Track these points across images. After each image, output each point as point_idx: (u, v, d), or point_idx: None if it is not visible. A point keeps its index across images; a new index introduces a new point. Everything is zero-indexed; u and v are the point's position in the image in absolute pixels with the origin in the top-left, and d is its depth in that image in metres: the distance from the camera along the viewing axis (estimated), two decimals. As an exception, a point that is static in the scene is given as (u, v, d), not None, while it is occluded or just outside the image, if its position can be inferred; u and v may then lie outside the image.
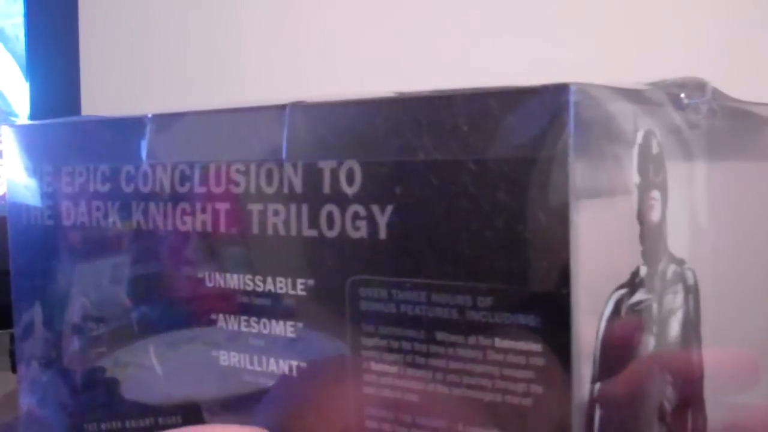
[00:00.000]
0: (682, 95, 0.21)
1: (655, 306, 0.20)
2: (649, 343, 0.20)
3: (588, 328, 0.18)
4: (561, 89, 0.18)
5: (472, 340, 0.19)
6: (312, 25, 0.80)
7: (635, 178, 0.20)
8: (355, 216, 0.21)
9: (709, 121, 0.22)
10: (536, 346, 0.18)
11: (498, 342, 0.19)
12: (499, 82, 0.19)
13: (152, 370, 0.26)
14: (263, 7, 0.81)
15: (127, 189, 0.26)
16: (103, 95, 0.72)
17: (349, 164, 0.21)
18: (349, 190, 0.21)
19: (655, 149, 0.20)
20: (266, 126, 0.23)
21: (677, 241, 0.21)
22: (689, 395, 0.21)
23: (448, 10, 0.77)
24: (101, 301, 0.27)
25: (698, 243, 0.22)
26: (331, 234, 0.21)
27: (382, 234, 0.20)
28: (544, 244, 0.18)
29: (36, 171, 0.30)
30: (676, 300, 0.21)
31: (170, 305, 0.25)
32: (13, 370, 0.45)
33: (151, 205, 0.25)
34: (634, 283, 0.20)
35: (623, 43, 0.72)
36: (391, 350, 0.20)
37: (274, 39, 0.81)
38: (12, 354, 0.45)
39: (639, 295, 0.20)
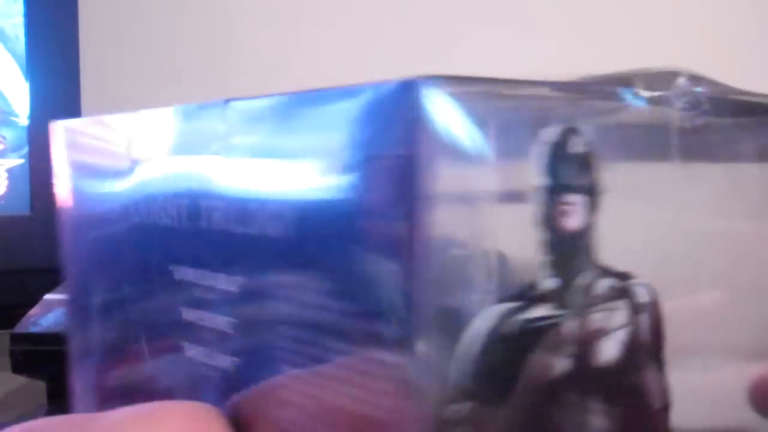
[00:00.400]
0: (638, 90, 0.19)
1: (572, 324, 0.18)
2: (559, 365, 0.18)
3: (450, 341, 0.17)
4: (413, 83, 0.16)
5: (349, 347, 0.18)
6: (313, 25, 0.80)
7: (539, 180, 0.18)
8: (272, 214, 0.20)
9: (687, 116, 0.20)
10: (397, 358, 0.17)
11: (370, 351, 0.17)
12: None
13: (144, 361, 0.26)
14: (264, 7, 0.81)
15: (122, 186, 0.26)
16: (103, 95, 0.72)
17: (270, 161, 0.21)
18: (270, 187, 0.20)
19: (576, 148, 0.18)
20: (210, 122, 0.23)
21: (620, 252, 0.19)
22: (643, 428, 0.19)
23: (446, 5, 0.77)
24: (110, 293, 0.28)
25: (669, 255, 0.20)
26: (252, 231, 0.21)
27: (290, 232, 0.20)
28: (400, 250, 0.17)
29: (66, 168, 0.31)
30: (613, 318, 0.19)
31: (153, 298, 0.25)
32: (14, 370, 0.45)
33: (141, 201, 0.26)
34: (531, 297, 0.18)
35: (621, 38, 0.72)
36: (296, 354, 0.20)
37: (276, 39, 0.81)
38: (12, 354, 0.45)
39: (540, 311, 0.18)
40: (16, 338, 0.45)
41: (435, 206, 0.16)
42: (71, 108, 0.66)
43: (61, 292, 0.51)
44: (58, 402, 0.47)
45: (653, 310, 0.19)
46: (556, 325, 0.18)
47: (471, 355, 0.17)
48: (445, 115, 0.16)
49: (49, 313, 0.48)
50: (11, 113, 0.65)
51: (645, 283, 0.19)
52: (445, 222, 0.17)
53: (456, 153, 0.17)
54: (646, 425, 0.19)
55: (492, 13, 0.77)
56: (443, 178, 0.16)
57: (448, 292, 0.17)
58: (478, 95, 0.17)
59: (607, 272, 0.19)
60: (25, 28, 0.65)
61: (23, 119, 0.65)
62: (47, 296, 0.50)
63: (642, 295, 0.19)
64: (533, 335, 0.18)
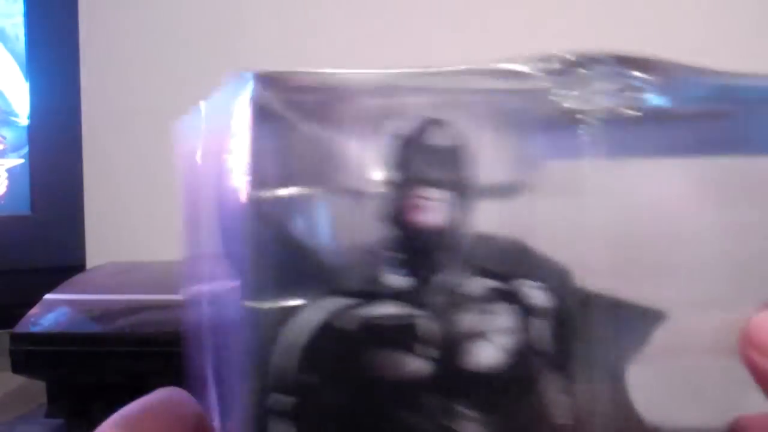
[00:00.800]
0: (536, 74, 0.18)
1: (432, 324, 0.17)
2: (415, 366, 0.17)
3: (277, 332, 0.16)
4: (244, 77, 0.17)
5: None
6: (318, 24, 0.80)
7: (385, 174, 0.17)
8: (219, 206, 0.22)
9: (618, 104, 0.18)
10: (234, 345, 0.17)
11: (233, 336, 0.17)
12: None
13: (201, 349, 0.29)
14: (267, 6, 0.81)
15: None
16: (103, 95, 0.72)
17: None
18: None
19: (439, 141, 0.17)
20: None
21: (508, 252, 0.17)
22: None
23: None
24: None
25: (585, 255, 0.18)
26: (224, 222, 0.23)
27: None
28: (236, 241, 0.17)
29: None
30: (491, 321, 0.17)
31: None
32: (14, 370, 0.45)
33: None
34: (373, 294, 0.17)
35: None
36: (210, 333, 0.21)
37: (278, 38, 0.81)
38: (12, 354, 0.45)
39: (387, 308, 0.17)
40: (16, 338, 0.45)
41: (263, 200, 0.16)
42: (71, 108, 0.66)
43: (62, 292, 0.51)
44: (58, 402, 0.47)
45: (555, 316, 0.18)
46: (409, 323, 0.17)
47: (296, 347, 0.16)
48: (275, 109, 0.16)
49: (49, 313, 0.48)
50: (11, 113, 0.65)
51: (543, 286, 0.17)
52: (276, 216, 0.16)
53: (288, 147, 0.16)
54: None
55: (499, 8, 0.77)
56: (272, 172, 0.16)
57: (276, 284, 0.16)
58: (317, 90, 0.17)
59: (484, 272, 0.17)
60: (25, 28, 0.65)
61: (23, 119, 0.65)
62: (47, 296, 0.50)
63: (537, 299, 0.18)
64: (379, 332, 0.17)
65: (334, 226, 0.17)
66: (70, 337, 0.45)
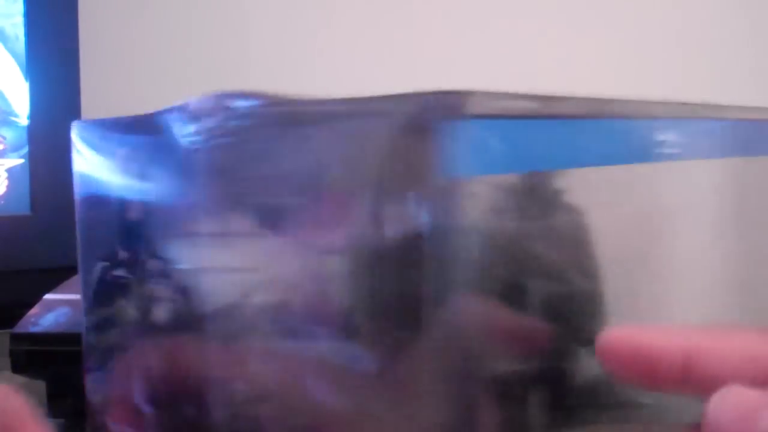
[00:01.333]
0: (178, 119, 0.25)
1: (137, 286, 0.26)
2: (128, 312, 0.26)
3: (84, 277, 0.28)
4: (73, 126, 0.27)
5: None
6: (318, 23, 0.80)
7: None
8: None
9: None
10: None
11: None
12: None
13: None
14: (266, 6, 0.81)
15: None
16: (103, 95, 0.72)
17: None
18: None
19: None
20: None
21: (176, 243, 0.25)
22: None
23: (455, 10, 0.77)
24: None
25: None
26: None
27: None
28: None
29: None
30: (160, 291, 0.25)
31: None
32: (13, 370, 0.45)
33: None
34: (114, 261, 0.26)
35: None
36: None
37: (279, 38, 0.81)
38: (12, 354, 0.45)
39: (117, 272, 0.26)
40: (16, 338, 0.45)
41: (84, 207, 0.28)
42: (71, 108, 0.66)
43: (62, 292, 0.51)
44: (58, 402, 0.47)
45: (188, 297, 0.24)
46: (126, 283, 0.26)
47: (91, 294, 0.27)
48: (86, 149, 0.27)
49: (49, 313, 0.48)
50: (11, 113, 0.65)
51: (199, 270, 0.24)
52: (90, 213, 0.28)
53: (100, 176, 0.27)
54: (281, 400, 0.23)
55: (498, 18, 0.77)
56: (93, 191, 0.27)
57: (97, 250, 0.27)
58: (115, 133, 0.26)
59: (156, 254, 0.25)
60: (25, 28, 0.65)
61: (23, 119, 0.65)
62: (47, 296, 0.50)
63: (185, 281, 0.24)
64: (118, 287, 0.26)
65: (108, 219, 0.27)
66: (70, 337, 0.45)
